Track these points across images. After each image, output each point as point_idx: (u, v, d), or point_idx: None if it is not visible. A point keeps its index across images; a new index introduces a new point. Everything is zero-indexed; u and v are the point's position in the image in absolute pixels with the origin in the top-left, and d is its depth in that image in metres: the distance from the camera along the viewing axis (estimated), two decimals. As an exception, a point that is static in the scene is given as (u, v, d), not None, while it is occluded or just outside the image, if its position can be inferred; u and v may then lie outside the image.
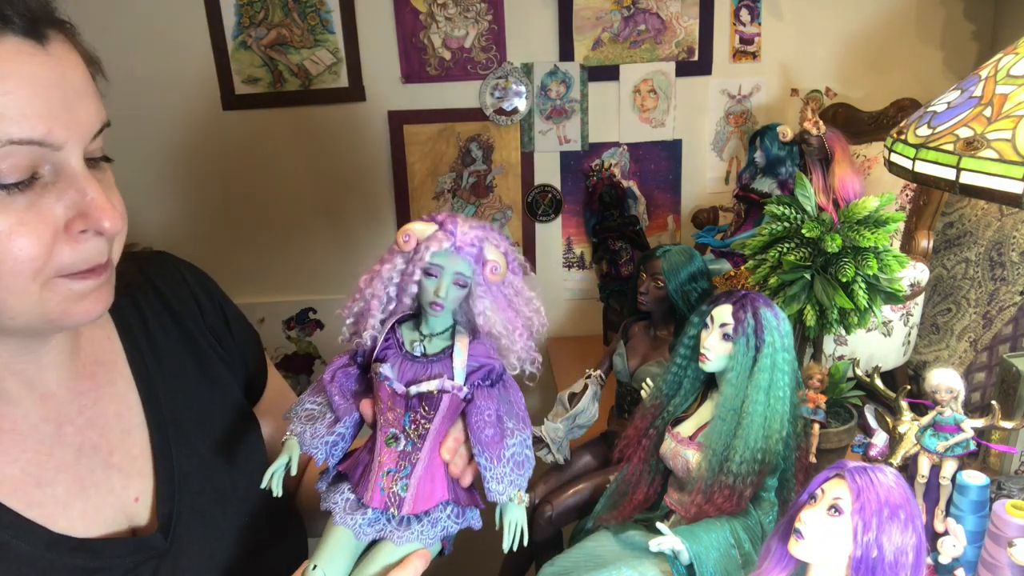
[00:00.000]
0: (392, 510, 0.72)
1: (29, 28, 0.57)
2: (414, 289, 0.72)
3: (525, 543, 0.73)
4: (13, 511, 0.68)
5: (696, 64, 1.86)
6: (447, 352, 0.73)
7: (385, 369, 0.72)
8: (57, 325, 0.66)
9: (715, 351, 0.92)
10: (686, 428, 0.97)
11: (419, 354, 0.74)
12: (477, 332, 0.74)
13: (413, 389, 0.71)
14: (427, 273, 0.71)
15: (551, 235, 1.97)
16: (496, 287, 0.72)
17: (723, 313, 0.92)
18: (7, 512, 0.67)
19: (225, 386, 0.88)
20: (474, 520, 0.76)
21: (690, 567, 0.84)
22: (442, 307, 0.71)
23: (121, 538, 0.74)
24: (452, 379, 0.72)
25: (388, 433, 0.73)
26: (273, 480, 0.73)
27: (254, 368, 0.96)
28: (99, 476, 0.74)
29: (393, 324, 0.74)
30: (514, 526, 0.73)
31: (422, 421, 0.72)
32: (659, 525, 0.87)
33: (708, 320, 0.93)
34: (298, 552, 0.88)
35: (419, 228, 0.71)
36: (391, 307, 0.74)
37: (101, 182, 0.64)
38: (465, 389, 0.72)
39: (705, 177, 1.96)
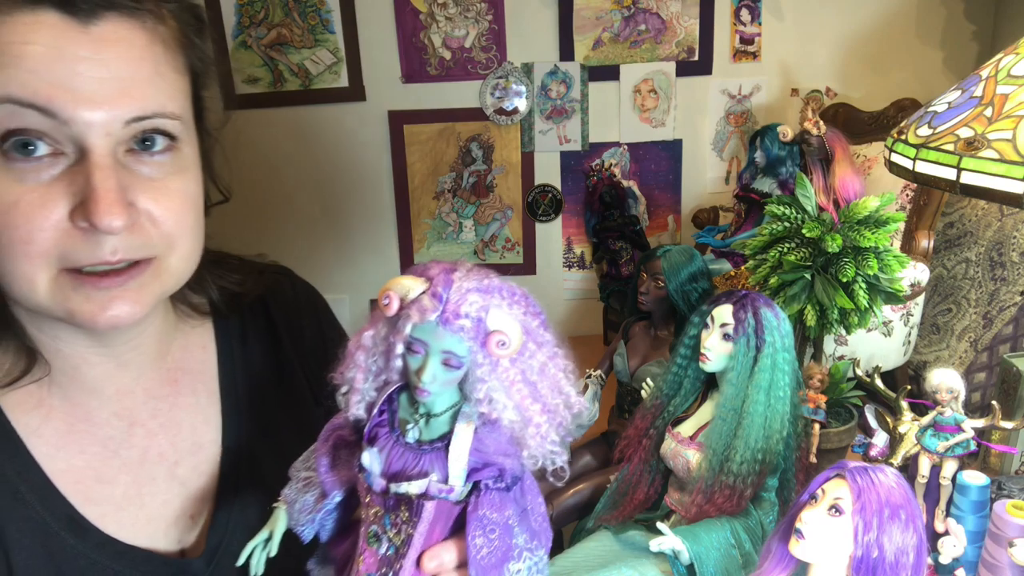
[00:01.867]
0: None
1: (79, 8, 0.56)
2: (400, 363, 0.56)
3: None
4: (70, 503, 0.66)
5: (696, 64, 1.86)
6: (446, 440, 0.56)
7: (366, 458, 0.57)
8: (74, 325, 0.62)
9: (715, 351, 0.92)
10: (686, 428, 0.97)
11: (412, 440, 0.57)
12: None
13: (392, 487, 0.56)
14: (410, 349, 0.54)
15: (551, 235, 1.97)
16: (510, 365, 0.54)
17: (723, 313, 0.92)
18: (64, 504, 0.66)
19: (307, 416, 0.82)
20: None
21: (690, 567, 0.84)
22: (428, 393, 0.54)
23: (164, 555, 0.71)
24: (445, 479, 0.55)
25: (370, 531, 0.58)
26: (252, 557, 0.63)
27: None
28: (160, 485, 0.72)
29: (392, 393, 0.58)
30: None
31: (403, 526, 0.56)
32: (659, 525, 0.87)
33: (708, 320, 0.93)
34: None
35: (404, 286, 0.54)
36: (383, 377, 0.58)
37: (149, 177, 0.61)
38: (460, 490, 0.55)
39: (705, 177, 1.96)
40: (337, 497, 0.61)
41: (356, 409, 0.58)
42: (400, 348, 0.54)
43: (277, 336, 0.83)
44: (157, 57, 0.61)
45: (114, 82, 0.58)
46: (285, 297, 0.86)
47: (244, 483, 0.75)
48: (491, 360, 0.54)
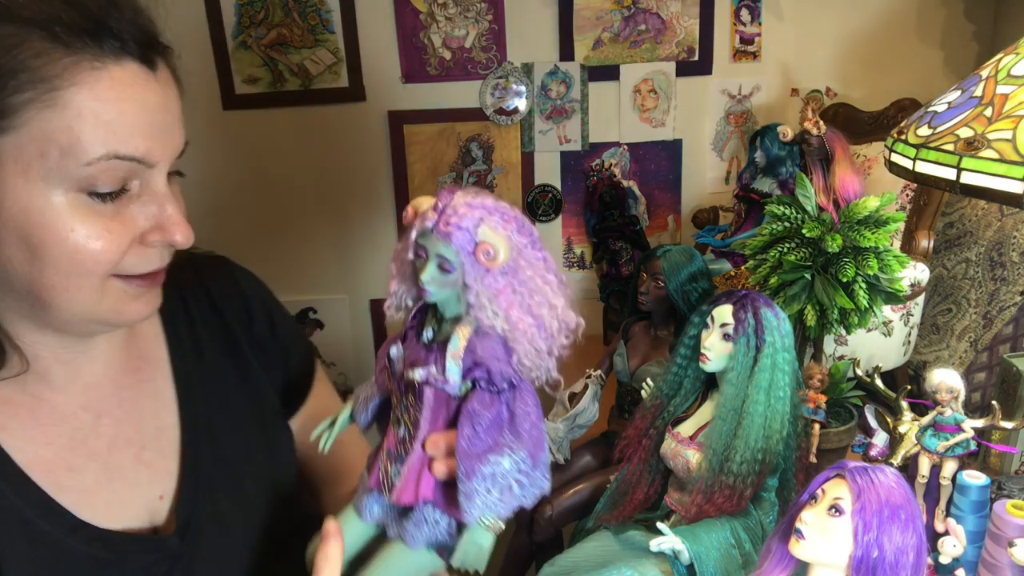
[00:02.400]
0: (384, 494, 0.67)
1: (143, 55, 0.63)
2: (412, 269, 0.65)
3: (479, 573, 0.66)
4: (43, 491, 0.69)
5: (696, 64, 1.86)
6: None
7: (393, 351, 0.68)
8: (106, 324, 0.69)
9: (715, 351, 0.92)
10: (686, 428, 0.97)
11: (427, 339, 0.66)
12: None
13: (407, 374, 0.65)
14: (416, 255, 0.63)
15: (551, 235, 1.97)
16: (499, 276, 0.62)
17: (724, 313, 0.92)
18: (38, 491, 0.68)
19: (262, 396, 0.88)
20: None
21: (690, 567, 0.84)
22: (428, 293, 0.63)
23: (139, 535, 0.74)
24: (443, 371, 0.64)
25: (393, 415, 0.68)
26: (322, 437, 0.73)
27: (297, 380, 0.95)
28: (128, 470, 0.75)
29: (424, 302, 0.68)
30: (470, 550, 0.65)
31: (412, 411, 0.66)
32: (659, 525, 0.87)
33: (708, 320, 0.93)
34: None
35: (419, 201, 0.64)
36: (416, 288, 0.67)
37: (174, 196, 0.69)
38: (456, 384, 0.64)
39: (705, 177, 1.96)
40: (378, 397, 0.72)
41: (391, 311, 0.68)
42: (410, 253, 0.63)
43: (222, 316, 0.86)
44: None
45: (174, 124, 0.66)
46: (227, 283, 0.89)
47: (206, 460, 0.79)
48: (480, 269, 0.61)
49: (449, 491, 0.65)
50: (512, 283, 0.63)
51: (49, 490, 0.69)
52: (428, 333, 0.66)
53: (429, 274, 0.62)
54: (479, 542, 0.64)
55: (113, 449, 0.75)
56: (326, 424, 0.74)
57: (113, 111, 0.60)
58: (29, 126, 0.58)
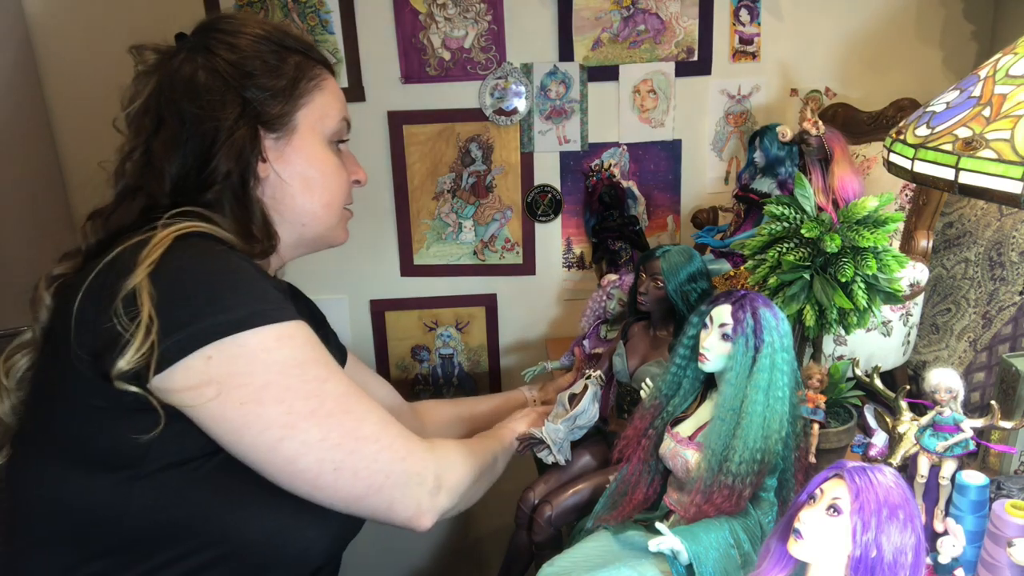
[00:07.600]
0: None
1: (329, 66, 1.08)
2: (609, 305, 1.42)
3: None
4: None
5: (696, 64, 1.86)
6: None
7: (586, 343, 1.41)
8: (331, 244, 1.10)
9: (714, 351, 0.92)
10: (685, 428, 0.97)
11: (603, 336, 1.35)
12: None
13: (594, 351, 1.38)
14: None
15: (551, 235, 1.97)
16: None
17: (722, 313, 0.92)
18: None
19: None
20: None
21: (689, 567, 0.84)
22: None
23: None
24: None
25: (585, 374, 1.26)
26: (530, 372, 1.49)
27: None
28: None
29: (599, 323, 1.42)
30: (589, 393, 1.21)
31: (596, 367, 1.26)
32: (658, 525, 0.87)
33: (707, 320, 0.94)
34: None
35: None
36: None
37: None
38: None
39: (705, 177, 1.96)
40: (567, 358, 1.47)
41: (583, 324, 1.42)
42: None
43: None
44: None
45: None
46: None
47: None
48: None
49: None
50: None
51: None
52: (604, 332, 1.36)
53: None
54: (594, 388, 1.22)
55: None
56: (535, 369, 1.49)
57: (340, 93, 1.07)
58: (313, 102, 1.01)
